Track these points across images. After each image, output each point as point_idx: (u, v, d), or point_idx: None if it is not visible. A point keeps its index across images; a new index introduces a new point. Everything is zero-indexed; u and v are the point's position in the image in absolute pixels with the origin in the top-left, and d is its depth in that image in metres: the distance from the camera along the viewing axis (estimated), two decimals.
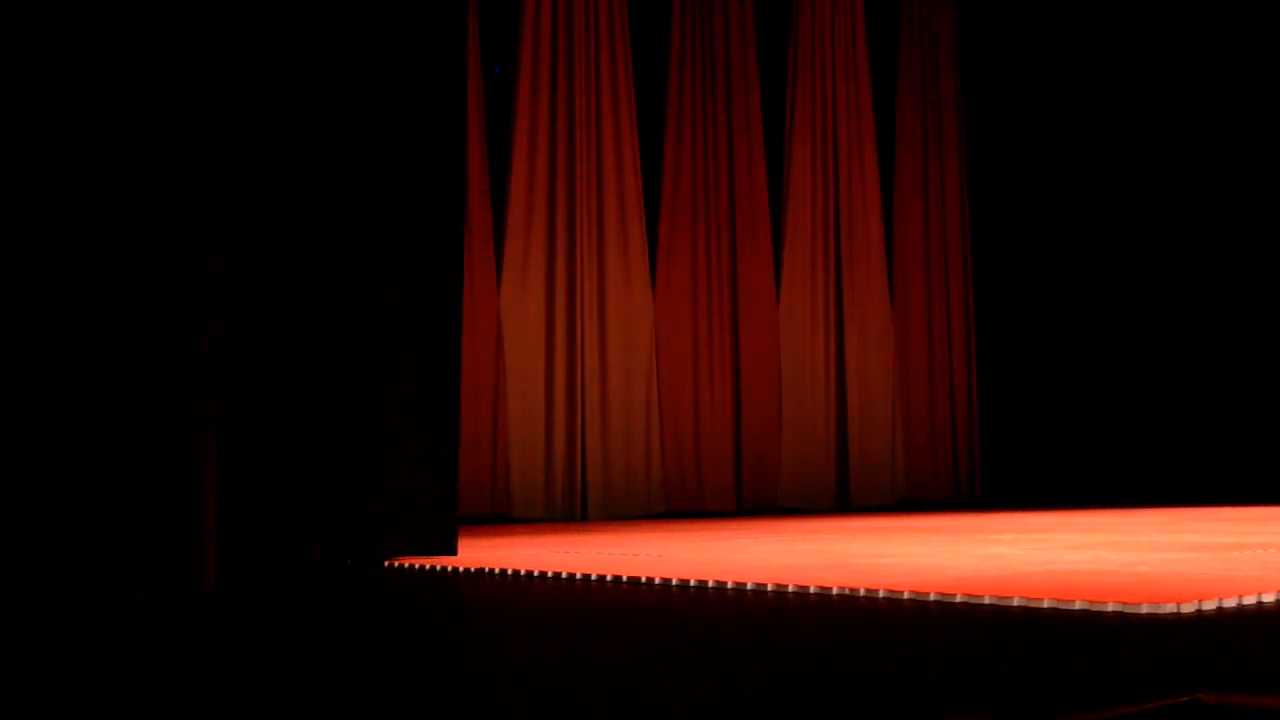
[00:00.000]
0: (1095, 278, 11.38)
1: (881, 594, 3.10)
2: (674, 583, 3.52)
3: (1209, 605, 2.72)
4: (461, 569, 4.20)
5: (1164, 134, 11.16)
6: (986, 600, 2.91)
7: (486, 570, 4.13)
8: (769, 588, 3.31)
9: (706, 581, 3.47)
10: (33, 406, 3.81)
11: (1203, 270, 11.01)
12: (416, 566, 4.32)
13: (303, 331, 4.42)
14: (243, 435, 4.21)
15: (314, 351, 4.44)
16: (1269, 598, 2.86)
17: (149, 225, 4.18)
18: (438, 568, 4.26)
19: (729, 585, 3.40)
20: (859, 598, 3.11)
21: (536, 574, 3.95)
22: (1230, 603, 2.77)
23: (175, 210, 4.28)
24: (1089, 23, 11.38)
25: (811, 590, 3.23)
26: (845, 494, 10.07)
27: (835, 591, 3.19)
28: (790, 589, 3.26)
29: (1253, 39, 10.76)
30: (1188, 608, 2.68)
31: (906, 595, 3.06)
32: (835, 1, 10.45)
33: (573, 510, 8.63)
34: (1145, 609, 2.67)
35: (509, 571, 4.06)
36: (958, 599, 2.96)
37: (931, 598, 3.01)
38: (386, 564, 4.40)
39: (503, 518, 8.30)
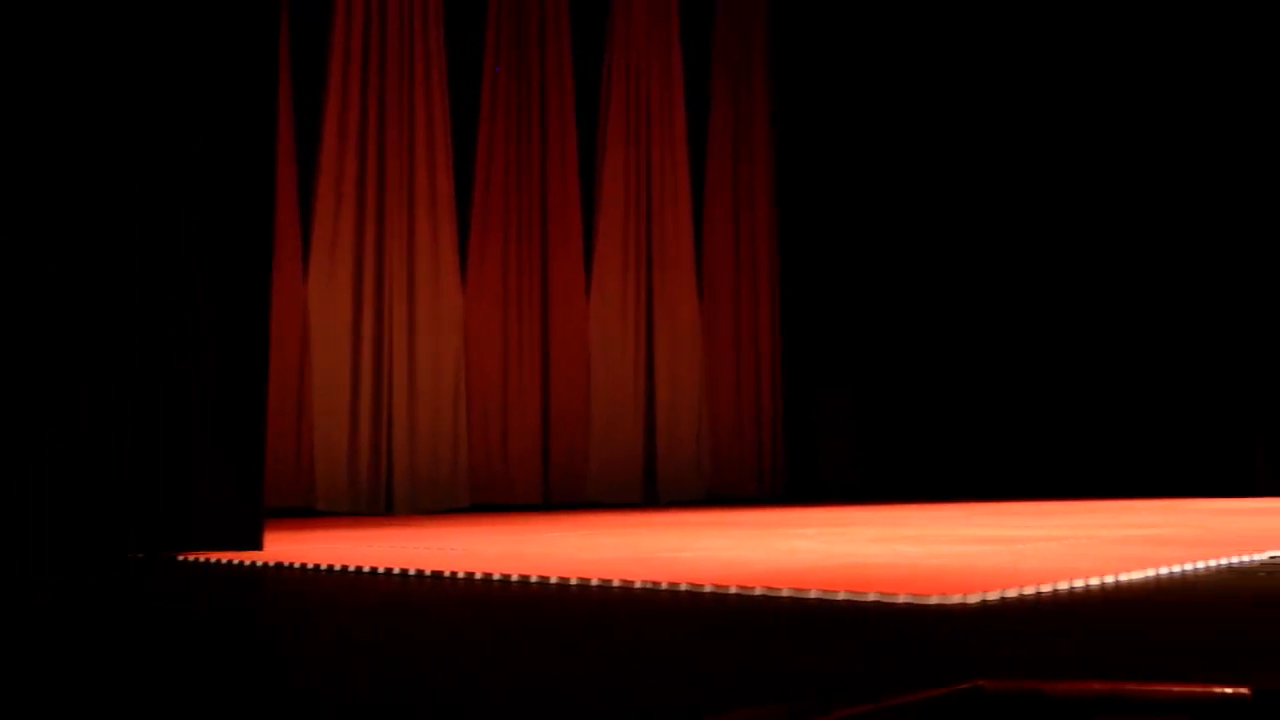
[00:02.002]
0: (899, 278, 11.76)
1: (683, 587, 3.14)
2: (478, 577, 3.50)
3: (993, 596, 2.83)
4: (260, 563, 4.10)
5: (969, 141, 11.60)
6: (785, 593, 2.97)
7: (287, 564, 4.03)
8: (573, 581, 3.31)
9: (510, 575, 3.46)
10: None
11: (1004, 273, 11.49)
12: (215, 560, 4.19)
13: (104, 319, 4.27)
14: (35, 423, 4.05)
15: (110, 339, 4.28)
16: (1048, 588, 3.00)
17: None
18: (236, 561, 4.15)
19: (533, 579, 3.39)
20: (661, 591, 3.14)
21: (338, 568, 3.88)
22: (1013, 593, 2.89)
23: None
24: (899, 33, 11.73)
25: (615, 583, 3.25)
26: (653, 488, 10.17)
27: (638, 585, 3.21)
28: (594, 582, 3.28)
29: (1059, 44, 11.24)
30: (973, 598, 2.78)
31: (708, 589, 3.10)
32: (650, 5, 10.54)
33: (378, 503, 8.51)
34: (934, 600, 2.76)
35: (309, 566, 3.97)
36: (757, 592, 3.02)
37: (732, 591, 3.06)
38: (183, 557, 4.26)
39: (306, 511, 8.13)
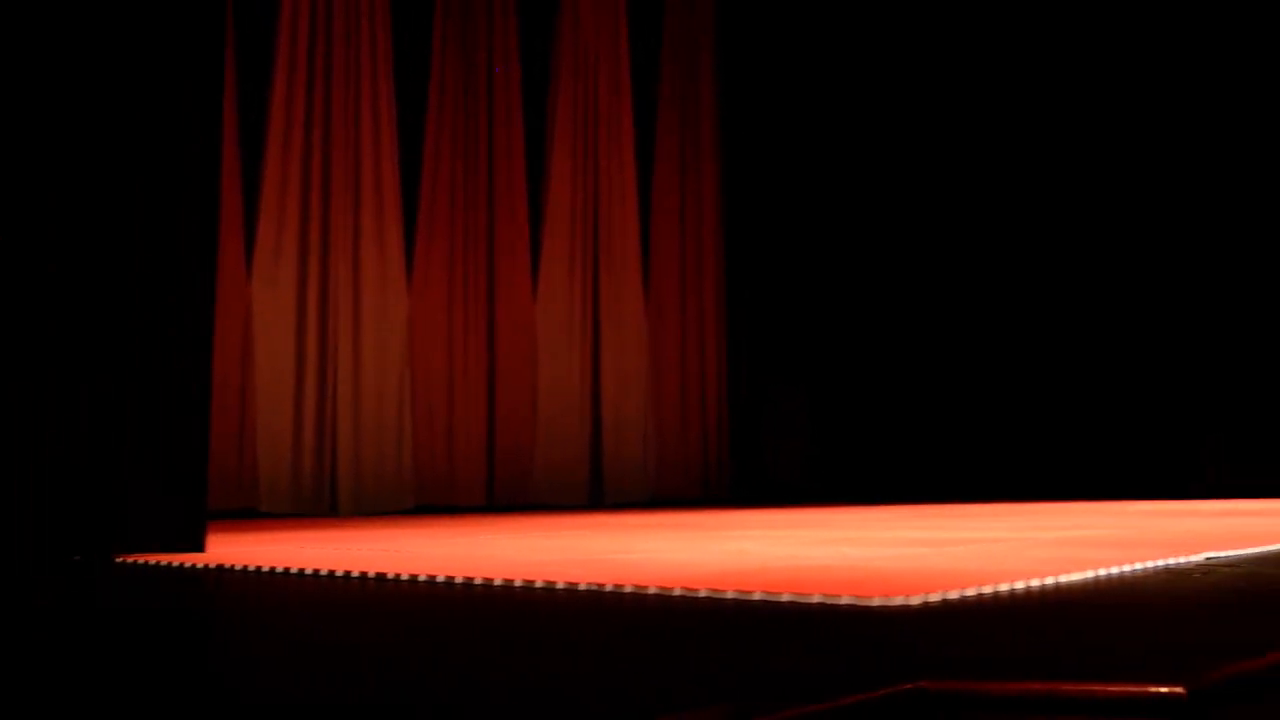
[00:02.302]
0: (846, 280, 11.83)
1: (629, 589, 3.14)
2: (422, 579, 3.49)
3: (935, 597, 2.86)
4: (201, 565, 4.06)
5: (917, 141, 11.68)
6: (729, 595, 2.98)
7: (228, 566, 4.00)
8: (518, 583, 3.31)
9: (455, 577, 3.45)
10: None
11: (951, 274, 11.58)
12: (155, 562, 4.15)
13: (52, 320, 4.24)
14: None
15: (55, 337, 4.24)
16: (989, 589, 3.03)
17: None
18: (176, 563, 4.11)
19: (478, 581, 3.38)
20: (606, 593, 3.14)
21: (280, 570, 3.85)
22: (955, 595, 2.91)
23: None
24: (846, 32, 11.80)
25: (560, 586, 3.24)
26: (599, 490, 10.17)
27: (583, 587, 3.21)
28: (539, 584, 3.27)
29: (1003, 43, 11.35)
30: (916, 600, 2.81)
31: (653, 590, 3.11)
32: (598, 9, 10.55)
33: (322, 504, 8.46)
34: (877, 601, 2.78)
35: (251, 568, 3.94)
36: (702, 593, 3.03)
37: (677, 592, 3.07)
38: (122, 559, 4.21)
39: (249, 512, 8.07)
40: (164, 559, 4.19)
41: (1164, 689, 1.72)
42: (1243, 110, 10.46)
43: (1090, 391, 10.95)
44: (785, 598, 2.89)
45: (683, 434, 10.99)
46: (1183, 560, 3.82)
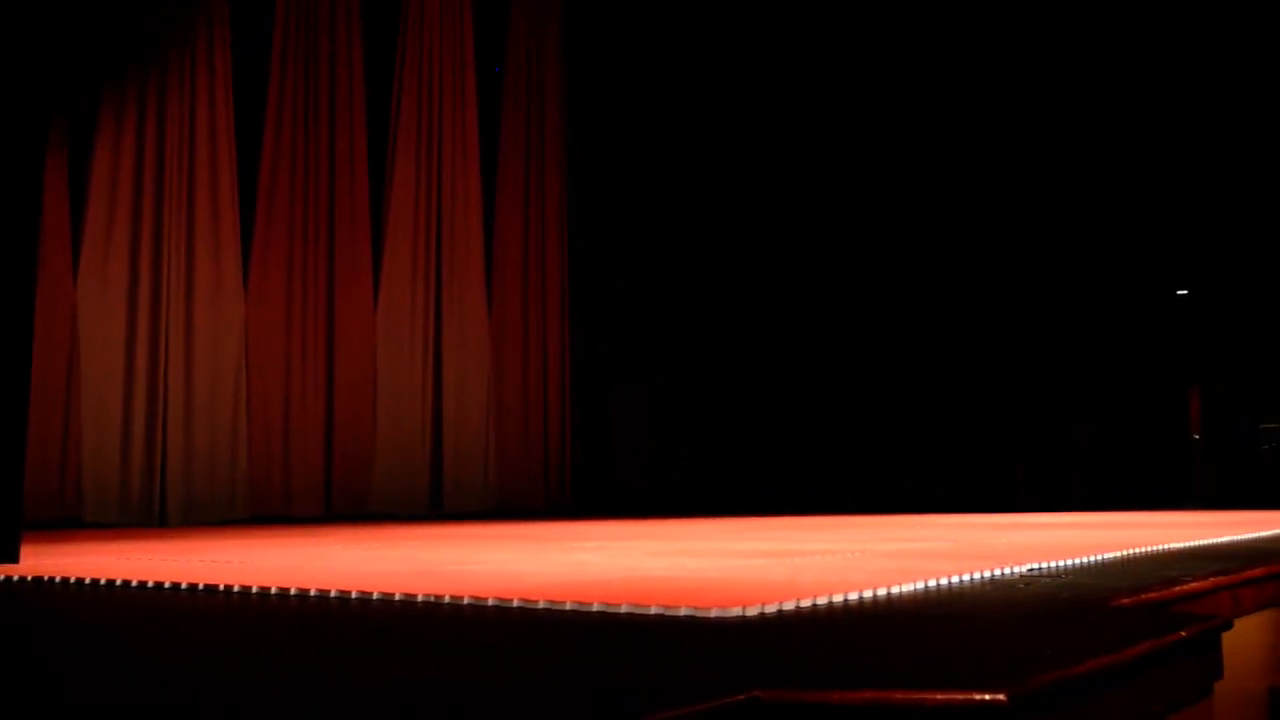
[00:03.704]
0: (697, 292, 11.94)
1: (466, 600, 3.11)
2: (254, 590, 3.40)
3: (771, 608, 2.89)
4: (16, 577, 3.89)
5: (759, 142, 11.86)
6: (568, 606, 2.97)
7: (46, 579, 3.84)
8: (353, 594, 3.25)
9: (289, 588, 3.36)
10: None
11: (809, 281, 11.78)
12: None
13: None
14: None
15: None
16: (824, 600, 3.08)
17: None
18: None
19: (312, 592, 3.31)
20: (444, 604, 3.10)
21: (103, 582, 3.71)
22: (790, 606, 2.95)
23: None
24: (693, 32, 11.93)
25: (397, 597, 3.19)
26: (439, 500, 10.07)
27: (420, 598, 3.17)
28: (375, 596, 3.22)
29: (851, 46, 11.61)
30: (752, 611, 2.83)
31: (491, 602, 3.08)
32: (444, 9, 10.48)
33: (151, 515, 8.20)
34: (714, 613, 2.80)
35: (71, 580, 3.79)
36: (540, 605, 3.01)
37: (515, 604, 3.04)
38: None
39: (74, 522, 7.78)
40: None
41: (987, 696, 1.77)
42: (1056, 139, 10.89)
43: (928, 407, 11.26)
44: (623, 609, 2.89)
45: (525, 444, 10.95)
46: (1008, 571, 3.94)
